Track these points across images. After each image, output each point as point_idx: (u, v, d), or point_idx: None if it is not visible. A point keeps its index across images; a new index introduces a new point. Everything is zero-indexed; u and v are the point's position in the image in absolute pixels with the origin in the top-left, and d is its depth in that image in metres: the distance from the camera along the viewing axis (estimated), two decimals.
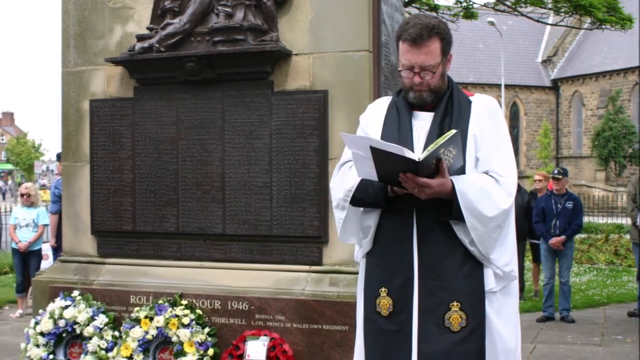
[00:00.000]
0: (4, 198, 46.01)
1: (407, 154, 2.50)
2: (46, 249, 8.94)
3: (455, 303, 2.66)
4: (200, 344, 4.48)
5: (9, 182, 64.49)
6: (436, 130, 2.73)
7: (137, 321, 4.64)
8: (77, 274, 5.16)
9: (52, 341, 4.84)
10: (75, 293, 4.91)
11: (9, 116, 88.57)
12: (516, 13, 16.54)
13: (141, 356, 4.57)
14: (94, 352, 4.69)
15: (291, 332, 4.45)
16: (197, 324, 4.56)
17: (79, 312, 4.78)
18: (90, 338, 4.73)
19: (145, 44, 4.83)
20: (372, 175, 2.62)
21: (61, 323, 4.81)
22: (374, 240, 2.82)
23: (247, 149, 4.77)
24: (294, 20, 4.69)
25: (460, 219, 2.64)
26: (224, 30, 4.68)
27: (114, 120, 5.11)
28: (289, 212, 4.67)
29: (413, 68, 2.74)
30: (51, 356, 4.82)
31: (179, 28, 4.78)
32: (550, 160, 37.10)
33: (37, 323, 4.89)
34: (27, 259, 8.74)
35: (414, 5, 15.33)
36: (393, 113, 2.85)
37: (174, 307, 4.60)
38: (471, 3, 16.04)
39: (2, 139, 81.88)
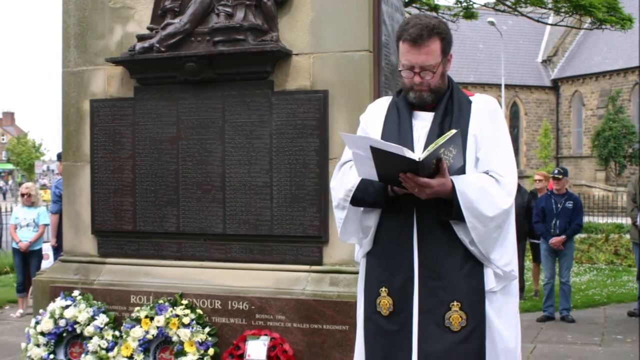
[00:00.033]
0: (4, 198, 46.02)
1: (408, 153, 2.50)
2: (47, 248, 8.95)
3: (455, 303, 2.66)
4: (201, 343, 4.48)
5: (10, 182, 64.51)
6: (436, 130, 2.73)
7: (138, 321, 4.64)
8: (77, 274, 5.16)
9: (53, 341, 4.85)
10: (76, 293, 4.91)
11: (10, 116, 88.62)
12: (516, 13, 16.55)
13: (141, 356, 4.57)
14: (95, 352, 4.69)
15: (291, 331, 4.45)
16: (198, 323, 4.56)
17: (79, 311, 4.79)
18: (90, 338, 4.73)
19: (146, 43, 4.83)
20: (373, 175, 2.63)
21: (62, 323, 4.82)
22: (374, 240, 2.82)
23: (248, 148, 4.77)
24: (295, 20, 4.69)
25: (461, 218, 2.64)
26: (225, 30, 4.68)
27: (115, 120, 5.11)
28: (289, 212, 4.67)
29: (413, 68, 2.74)
30: (52, 356, 4.83)
31: (180, 28, 4.78)
32: (550, 160, 37.12)
33: (37, 323, 4.89)
34: (28, 258, 8.75)
35: (414, 5, 15.33)
36: (393, 113, 2.86)
37: (175, 307, 4.61)
38: (471, 3, 16.04)
39: (3, 139, 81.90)
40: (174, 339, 4.53)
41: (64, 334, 4.86)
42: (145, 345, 4.59)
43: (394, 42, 3.69)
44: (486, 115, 2.80)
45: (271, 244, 4.75)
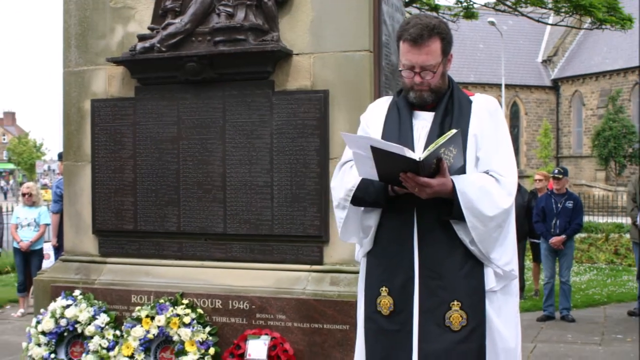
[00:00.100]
0: (5, 198, 46.06)
1: (408, 153, 2.51)
2: (47, 248, 8.97)
3: (455, 302, 2.67)
4: (201, 343, 4.49)
5: (11, 181, 64.57)
6: (437, 130, 2.73)
7: (139, 320, 4.65)
8: (78, 274, 5.17)
9: (54, 340, 4.85)
10: (77, 292, 4.92)
11: (11, 116, 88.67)
12: (516, 13, 16.55)
13: (142, 355, 4.58)
14: (95, 352, 4.70)
15: (292, 331, 4.46)
16: (198, 323, 4.57)
17: (80, 311, 4.79)
18: (91, 337, 4.74)
19: (147, 43, 4.84)
20: (373, 174, 2.63)
21: (62, 322, 4.82)
22: (374, 240, 2.83)
23: (248, 148, 4.78)
24: (295, 20, 4.70)
25: (461, 218, 2.65)
26: (225, 30, 4.69)
27: (115, 120, 5.12)
28: (289, 212, 4.68)
29: (414, 68, 2.75)
30: (52, 355, 4.83)
31: (180, 28, 4.79)
32: (551, 159, 37.11)
33: (38, 322, 4.90)
34: (29, 258, 8.76)
35: (414, 5, 15.33)
36: (394, 113, 2.86)
37: (175, 307, 4.61)
38: (471, 3, 16.05)
39: (4, 139, 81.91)
40: (175, 338, 4.53)
41: (65, 334, 4.86)
42: (146, 345, 4.60)
43: (394, 42, 3.70)
44: (486, 115, 2.81)
45: (272, 243, 4.75)
